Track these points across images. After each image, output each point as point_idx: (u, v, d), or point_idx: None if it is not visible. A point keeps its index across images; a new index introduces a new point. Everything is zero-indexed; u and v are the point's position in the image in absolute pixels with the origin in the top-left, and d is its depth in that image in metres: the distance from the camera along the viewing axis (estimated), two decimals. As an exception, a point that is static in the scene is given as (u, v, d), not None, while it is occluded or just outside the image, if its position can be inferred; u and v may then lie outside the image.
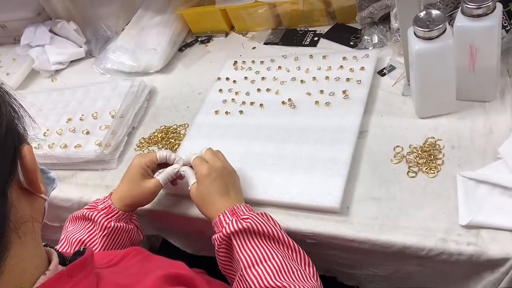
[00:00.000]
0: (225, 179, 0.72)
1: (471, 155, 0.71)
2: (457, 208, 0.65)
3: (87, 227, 0.75)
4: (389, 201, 0.70)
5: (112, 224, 0.74)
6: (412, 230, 0.65)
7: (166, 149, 0.93)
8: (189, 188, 0.73)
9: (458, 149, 0.72)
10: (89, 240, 0.74)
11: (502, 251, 0.60)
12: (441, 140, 0.75)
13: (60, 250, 0.72)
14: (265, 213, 0.69)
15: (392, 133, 0.79)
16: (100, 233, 0.73)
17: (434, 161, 0.72)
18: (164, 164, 0.79)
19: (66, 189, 0.93)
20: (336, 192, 0.71)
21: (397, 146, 0.76)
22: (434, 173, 0.70)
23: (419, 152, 0.74)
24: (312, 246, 0.73)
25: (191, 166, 0.75)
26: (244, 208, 0.68)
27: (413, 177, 0.71)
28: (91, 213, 0.75)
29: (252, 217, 0.65)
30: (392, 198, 0.70)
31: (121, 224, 0.75)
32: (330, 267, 0.78)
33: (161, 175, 0.76)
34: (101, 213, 0.74)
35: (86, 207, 0.78)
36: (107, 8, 1.29)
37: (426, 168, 0.71)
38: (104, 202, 0.76)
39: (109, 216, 0.74)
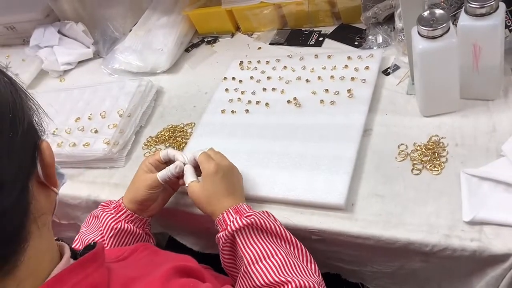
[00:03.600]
0: (231, 178, 0.73)
1: (475, 152, 0.72)
2: (461, 205, 0.65)
3: (99, 227, 0.76)
4: (393, 198, 0.71)
5: (119, 226, 0.75)
6: (416, 227, 0.66)
7: (172, 147, 0.95)
8: (186, 186, 0.73)
9: (462, 147, 0.73)
10: (101, 241, 0.75)
11: (505, 247, 0.60)
12: (445, 138, 0.75)
13: None
14: (266, 211, 0.70)
15: (396, 132, 0.80)
16: (107, 234, 0.75)
17: (438, 159, 0.73)
18: (171, 163, 0.79)
19: (74, 187, 0.94)
20: (341, 189, 0.72)
21: (402, 144, 0.77)
22: (438, 170, 0.71)
23: (423, 150, 0.75)
24: (317, 242, 0.74)
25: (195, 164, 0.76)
26: (246, 207, 0.70)
27: (417, 174, 0.72)
28: (102, 212, 0.77)
29: (254, 213, 0.67)
30: (397, 195, 0.71)
31: (129, 226, 0.76)
32: (335, 264, 0.79)
33: (161, 172, 0.76)
34: (112, 211, 0.76)
35: (102, 203, 0.80)
36: (114, 10, 1.31)
37: (430, 166, 0.72)
38: (116, 201, 0.79)
39: (117, 215, 0.76)
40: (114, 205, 0.78)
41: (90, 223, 0.79)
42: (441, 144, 0.75)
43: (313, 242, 0.73)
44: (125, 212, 0.76)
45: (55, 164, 0.48)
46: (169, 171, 0.75)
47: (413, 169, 0.73)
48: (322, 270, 0.80)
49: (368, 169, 0.76)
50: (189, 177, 0.74)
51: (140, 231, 0.78)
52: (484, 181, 0.67)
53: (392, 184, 0.72)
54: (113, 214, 0.76)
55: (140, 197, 0.76)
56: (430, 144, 0.75)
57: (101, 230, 0.75)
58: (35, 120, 0.47)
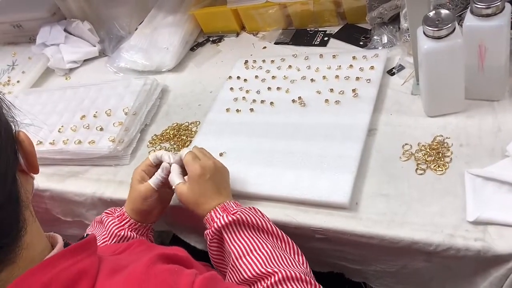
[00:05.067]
0: (217, 178, 0.73)
1: (479, 153, 0.72)
2: (465, 205, 0.65)
3: (103, 234, 0.77)
4: (397, 197, 0.71)
5: (123, 233, 0.75)
6: (420, 226, 0.66)
7: (177, 145, 0.95)
8: (173, 187, 0.73)
9: (467, 147, 0.73)
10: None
11: (509, 247, 0.60)
12: (449, 138, 0.75)
13: None
14: (253, 207, 0.71)
15: (401, 131, 0.80)
16: (111, 240, 0.75)
17: (442, 159, 0.73)
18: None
19: (80, 184, 0.95)
20: (345, 188, 0.72)
21: (406, 144, 0.77)
22: (442, 170, 0.71)
23: (428, 150, 0.75)
24: (321, 241, 0.74)
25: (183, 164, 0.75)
26: (234, 204, 0.71)
27: (421, 174, 0.72)
28: (106, 219, 0.77)
29: (240, 210, 0.68)
30: (401, 194, 0.71)
31: (132, 234, 0.76)
32: (338, 263, 0.79)
33: (152, 178, 0.76)
34: (116, 220, 0.77)
35: (105, 211, 0.80)
36: (120, 8, 1.31)
37: (435, 166, 0.72)
38: (120, 209, 0.79)
39: (121, 223, 0.76)
40: (118, 213, 0.78)
41: (95, 229, 0.79)
42: (445, 144, 0.75)
43: (317, 241, 0.74)
44: (128, 221, 0.77)
45: (35, 152, 0.49)
46: (159, 175, 0.75)
47: (417, 169, 0.73)
48: (325, 269, 0.80)
49: (372, 169, 0.76)
50: (175, 178, 0.73)
51: (144, 238, 0.78)
52: (488, 181, 0.67)
53: (396, 184, 0.73)
54: (116, 222, 0.77)
55: (139, 208, 0.76)
56: (435, 144, 0.75)
57: (104, 235, 0.76)
58: (5, 112, 0.48)
